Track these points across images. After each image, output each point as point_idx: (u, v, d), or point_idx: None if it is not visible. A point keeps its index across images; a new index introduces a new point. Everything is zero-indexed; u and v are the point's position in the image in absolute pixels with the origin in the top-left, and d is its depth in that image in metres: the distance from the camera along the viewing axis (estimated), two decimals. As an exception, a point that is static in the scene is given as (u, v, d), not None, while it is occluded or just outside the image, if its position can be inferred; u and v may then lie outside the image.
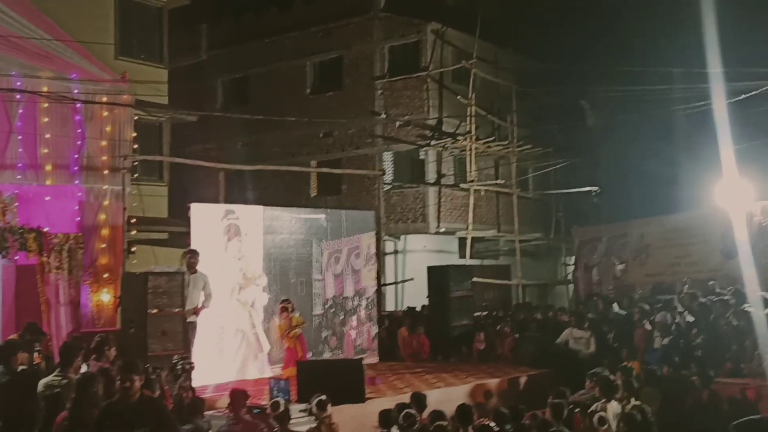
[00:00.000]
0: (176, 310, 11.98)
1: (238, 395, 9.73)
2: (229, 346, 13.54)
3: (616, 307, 16.06)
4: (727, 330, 12.86)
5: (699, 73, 15.94)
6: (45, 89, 14.12)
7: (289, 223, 14.78)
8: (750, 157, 17.10)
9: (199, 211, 13.61)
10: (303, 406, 10.12)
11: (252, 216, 14.36)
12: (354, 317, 15.54)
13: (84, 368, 9.05)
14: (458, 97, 23.00)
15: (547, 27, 24.89)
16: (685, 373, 12.04)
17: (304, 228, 14.89)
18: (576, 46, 23.05)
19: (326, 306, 15.13)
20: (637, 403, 9.89)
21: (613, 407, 9.81)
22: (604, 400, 9.89)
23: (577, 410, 10.21)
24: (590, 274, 20.88)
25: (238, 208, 14.45)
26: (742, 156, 16.43)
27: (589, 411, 9.67)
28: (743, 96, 15.85)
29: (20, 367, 9.24)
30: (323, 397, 9.07)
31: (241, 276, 13.93)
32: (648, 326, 13.69)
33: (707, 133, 16.39)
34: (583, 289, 20.85)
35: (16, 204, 13.75)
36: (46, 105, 14.13)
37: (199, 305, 12.43)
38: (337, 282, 15.38)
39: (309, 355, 13.55)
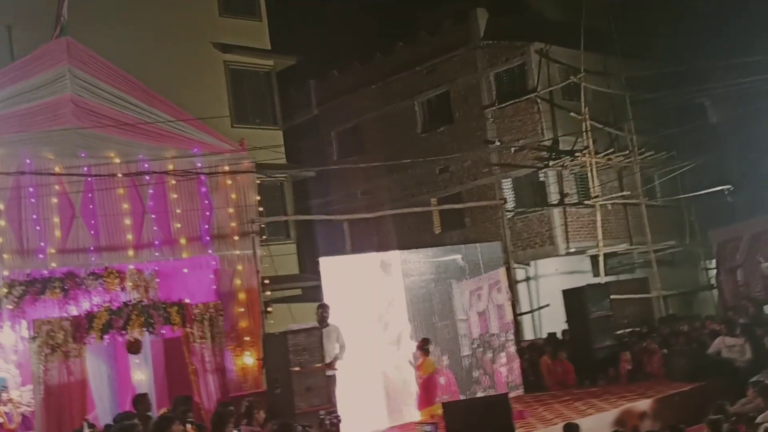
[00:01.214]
0: (318, 365, 12.20)
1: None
2: (375, 392, 13.61)
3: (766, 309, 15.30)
4: None
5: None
6: (171, 167, 14.75)
7: (419, 265, 14.83)
8: None
9: (328, 264, 13.86)
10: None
11: (391, 259, 14.59)
12: (503, 353, 15.34)
13: (236, 434, 9.30)
14: (571, 113, 22.64)
15: (653, 27, 24.26)
16: None
17: (433, 268, 14.87)
18: (686, 44, 22.34)
19: (474, 345, 15.02)
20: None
21: (779, 417, 9.33)
22: (768, 410, 9.42)
23: (740, 423, 9.76)
24: (734, 276, 19.97)
25: (366, 258, 14.67)
26: None
27: (755, 422, 9.24)
28: None
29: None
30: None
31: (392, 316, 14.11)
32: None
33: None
34: (729, 293, 19.94)
35: (157, 280, 14.38)
36: (173, 182, 14.76)
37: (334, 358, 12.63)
38: (482, 320, 15.26)
39: (444, 398, 13.42)
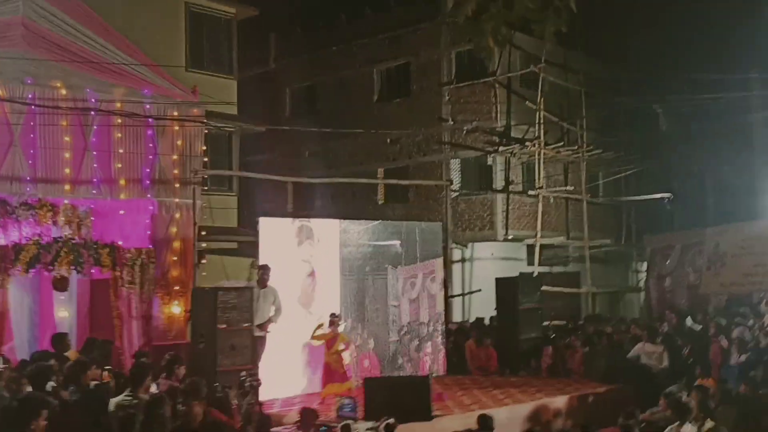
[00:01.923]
0: (245, 325, 12.14)
1: (308, 414, 9.81)
2: (297, 360, 13.61)
3: (689, 320, 15.68)
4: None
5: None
6: (118, 106, 14.43)
7: (358, 236, 14.81)
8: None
9: (267, 225, 13.74)
10: (370, 424, 10.13)
11: (327, 228, 14.51)
12: (429, 343, 15.47)
13: (154, 387, 9.20)
14: (527, 102, 22.74)
15: (619, 29, 24.41)
16: (763, 392, 11.66)
17: (371, 249, 14.85)
18: (649, 50, 22.56)
19: (401, 332, 15.09)
20: (712, 424, 9.63)
21: (687, 430, 9.56)
22: (678, 422, 9.64)
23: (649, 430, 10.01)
24: (663, 283, 20.46)
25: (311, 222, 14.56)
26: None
27: (663, 433, 9.47)
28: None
29: (92, 384, 9.42)
30: (391, 420, 9.07)
31: (311, 286, 13.99)
32: (724, 342, 13.31)
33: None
34: (655, 298, 20.43)
35: (91, 218, 14.10)
36: (119, 121, 14.44)
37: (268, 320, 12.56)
38: (412, 307, 15.34)
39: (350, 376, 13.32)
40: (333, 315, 13.18)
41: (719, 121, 20.05)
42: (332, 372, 12.84)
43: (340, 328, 13.20)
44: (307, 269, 14.00)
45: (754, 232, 18.51)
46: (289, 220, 14.74)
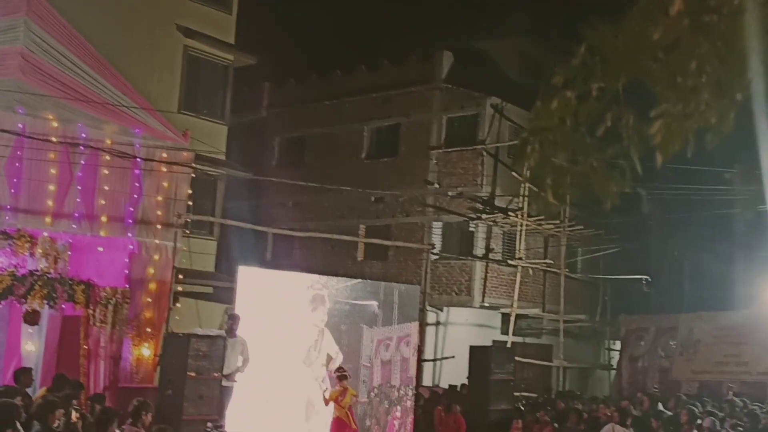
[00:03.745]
0: (215, 374, 11.97)
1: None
2: (296, 415, 13.46)
3: (660, 405, 15.64)
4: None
5: (758, 174, 15.65)
6: (108, 142, 14.39)
7: (336, 293, 14.72)
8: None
9: (245, 274, 13.65)
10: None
11: (305, 282, 14.44)
12: (399, 406, 15.30)
13: (118, 434, 9.01)
14: (513, 173, 22.91)
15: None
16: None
17: (348, 307, 14.77)
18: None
19: (371, 394, 14.94)
20: None
21: None
22: None
23: None
24: (635, 364, 20.48)
25: (285, 276, 14.49)
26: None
27: None
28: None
29: (56, 424, 9.20)
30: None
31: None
32: (694, 432, 13.28)
33: (765, 233, 16.07)
34: (626, 379, 20.43)
35: (69, 253, 13.96)
36: (107, 158, 14.39)
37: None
38: (384, 369, 15.21)
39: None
40: (340, 369, 13.23)
41: (701, 211, 20.24)
42: (343, 425, 12.89)
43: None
44: (315, 334, 13.97)
45: (728, 322, 18.64)
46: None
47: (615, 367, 22.61)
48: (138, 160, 14.67)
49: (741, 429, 13.20)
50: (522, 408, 16.89)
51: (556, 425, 15.23)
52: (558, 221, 23.66)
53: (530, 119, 3.72)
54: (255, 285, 13.59)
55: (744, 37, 3.33)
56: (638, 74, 3.40)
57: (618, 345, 22.80)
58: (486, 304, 23.53)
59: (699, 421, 13.54)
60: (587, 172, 3.51)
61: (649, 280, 23.27)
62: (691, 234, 23.00)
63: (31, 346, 13.39)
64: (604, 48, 3.41)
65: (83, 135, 14.20)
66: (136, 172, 14.85)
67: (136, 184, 14.85)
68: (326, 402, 13.31)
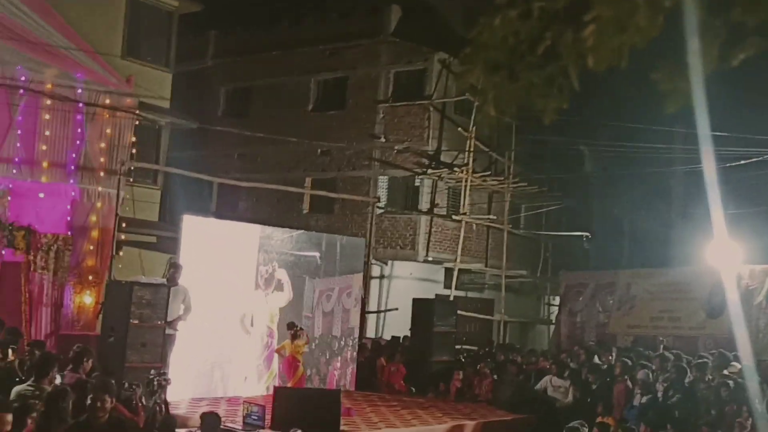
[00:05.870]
0: (158, 322, 11.93)
1: (210, 418, 9.64)
2: (211, 360, 13.46)
3: (596, 358, 16.03)
4: (705, 394, 12.84)
5: (697, 136, 16.02)
6: (49, 86, 14.08)
7: (280, 244, 14.73)
8: (742, 222, 17.19)
9: (190, 223, 13.55)
10: (276, 433, 10.08)
11: (248, 232, 14.38)
12: (339, 357, 15.44)
13: (59, 379, 8.95)
14: (459, 128, 23.04)
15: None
16: (661, 434, 12.02)
17: (292, 258, 14.79)
18: (582, 91, 23.08)
19: (312, 345, 14.99)
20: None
21: (586, 466, 9.77)
22: (577, 458, 9.84)
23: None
24: (574, 318, 20.89)
25: (231, 225, 14.43)
26: (734, 220, 16.49)
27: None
28: (740, 162, 15.95)
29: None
30: (298, 431, 9.00)
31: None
32: (629, 383, 13.64)
33: (702, 194, 16.45)
34: (565, 333, 20.84)
35: (9, 198, 13.70)
36: (48, 102, 14.08)
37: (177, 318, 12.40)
38: (325, 321, 15.30)
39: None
40: (293, 326, 13.44)
41: (641, 169, 20.64)
42: (297, 364, 13.23)
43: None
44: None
45: (663, 279, 19.10)
46: (214, 223, 14.55)
47: (554, 321, 23.08)
48: (80, 105, 14.37)
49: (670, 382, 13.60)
50: (463, 360, 17.22)
51: (495, 377, 15.57)
52: (502, 178, 23.91)
53: (473, 36, 3.82)
54: (200, 235, 13.50)
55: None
56: None
57: (558, 300, 23.26)
58: (430, 259, 23.77)
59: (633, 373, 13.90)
60: (527, 89, 3.63)
61: (590, 237, 23.76)
62: (631, 193, 23.47)
63: (-31, 292, 13.19)
64: None
65: (23, 78, 13.86)
66: (78, 117, 14.58)
67: (78, 130, 14.60)
68: (278, 351, 13.48)
